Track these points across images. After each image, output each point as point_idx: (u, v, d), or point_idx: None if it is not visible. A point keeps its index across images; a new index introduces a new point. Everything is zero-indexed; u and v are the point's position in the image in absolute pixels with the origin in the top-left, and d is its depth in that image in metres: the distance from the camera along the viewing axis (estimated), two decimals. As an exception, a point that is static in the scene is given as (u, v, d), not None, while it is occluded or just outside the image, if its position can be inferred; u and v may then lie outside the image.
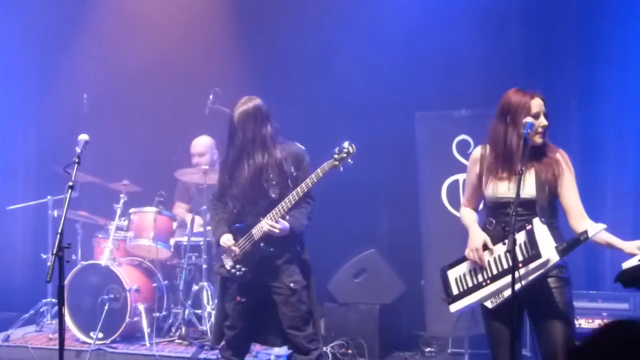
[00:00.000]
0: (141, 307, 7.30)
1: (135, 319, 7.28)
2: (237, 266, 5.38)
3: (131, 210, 7.63)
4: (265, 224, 5.24)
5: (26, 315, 7.79)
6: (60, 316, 4.67)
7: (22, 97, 9.24)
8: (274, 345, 5.80)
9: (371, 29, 8.16)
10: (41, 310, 7.89)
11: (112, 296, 7.30)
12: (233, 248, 5.36)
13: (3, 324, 8.08)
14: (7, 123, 9.25)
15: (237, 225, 5.40)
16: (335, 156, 5.14)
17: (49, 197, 7.98)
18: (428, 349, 7.57)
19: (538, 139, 4.43)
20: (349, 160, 5.16)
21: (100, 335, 7.17)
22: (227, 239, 5.38)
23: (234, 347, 5.53)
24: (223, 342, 5.56)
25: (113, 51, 8.87)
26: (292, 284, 5.34)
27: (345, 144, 5.17)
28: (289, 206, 5.23)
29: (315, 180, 5.16)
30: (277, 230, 5.23)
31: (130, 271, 7.46)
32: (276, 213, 5.23)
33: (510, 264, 4.19)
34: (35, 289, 8.31)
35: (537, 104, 4.43)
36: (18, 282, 9.17)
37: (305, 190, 5.20)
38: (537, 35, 7.59)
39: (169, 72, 8.73)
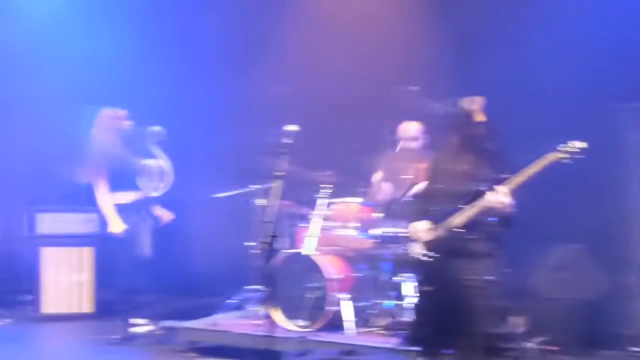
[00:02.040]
0: (344, 296, 7.43)
1: (337, 308, 7.41)
2: (430, 253, 5.37)
3: (335, 200, 7.78)
4: (494, 196, 5.19)
5: (231, 301, 8.08)
6: (266, 303, 4.83)
7: (229, 88, 9.56)
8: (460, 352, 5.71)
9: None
10: (246, 296, 8.16)
11: (314, 285, 7.46)
12: (426, 234, 5.35)
13: (210, 309, 8.45)
14: (215, 114, 9.61)
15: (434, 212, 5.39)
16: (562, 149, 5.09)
17: (252, 186, 8.25)
18: (634, 348, 7.30)
19: None
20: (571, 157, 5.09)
21: (304, 323, 7.36)
22: (421, 225, 5.39)
23: (429, 349, 5.51)
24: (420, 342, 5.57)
25: (315, 41, 9.04)
26: (486, 276, 5.28)
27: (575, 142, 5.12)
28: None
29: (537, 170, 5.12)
30: (504, 203, 5.17)
31: (332, 261, 7.61)
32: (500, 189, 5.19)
33: None
34: (240, 276, 8.61)
35: None
36: (222, 269, 9.54)
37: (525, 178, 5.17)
38: None
39: (368, 59, 8.82)
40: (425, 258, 5.39)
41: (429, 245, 5.40)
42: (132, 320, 8.23)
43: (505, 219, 5.37)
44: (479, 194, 5.32)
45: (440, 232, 5.37)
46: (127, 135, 8.12)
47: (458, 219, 5.37)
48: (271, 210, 5.05)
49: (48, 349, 8.29)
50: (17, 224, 10.18)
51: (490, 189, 5.27)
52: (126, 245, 7.94)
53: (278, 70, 9.13)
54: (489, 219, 5.36)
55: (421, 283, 5.51)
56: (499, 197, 5.22)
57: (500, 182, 5.29)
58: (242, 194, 8.47)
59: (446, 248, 5.36)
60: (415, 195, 5.77)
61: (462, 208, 5.33)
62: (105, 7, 9.43)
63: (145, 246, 8.00)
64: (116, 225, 7.99)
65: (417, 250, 5.44)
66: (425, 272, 5.46)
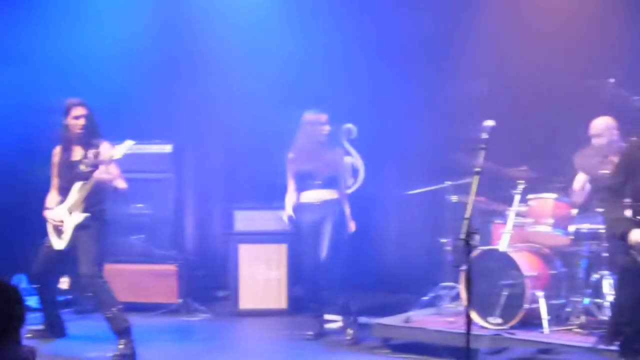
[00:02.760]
0: (539, 294, 7.35)
1: (533, 305, 7.34)
2: None
3: (529, 197, 7.70)
4: None
5: (426, 297, 8.14)
6: (467, 299, 4.85)
7: (423, 84, 9.62)
8: None
9: None
10: (440, 293, 8.20)
11: (510, 282, 7.41)
12: None
13: (403, 305, 8.54)
14: (408, 109, 9.68)
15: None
16: None
17: (447, 182, 8.29)
18: None
19: None
20: None
21: (499, 320, 7.32)
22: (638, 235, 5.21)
23: (628, 349, 5.35)
24: (618, 342, 5.42)
25: (511, 36, 8.98)
26: None
27: None
28: None
29: None
30: None
31: (528, 257, 7.54)
32: None
33: None
34: (434, 273, 8.66)
35: None
36: (416, 265, 9.61)
37: None
38: None
39: (564, 53, 8.68)
40: None
41: None
42: (327, 317, 8.41)
43: None
44: None
45: None
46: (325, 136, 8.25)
47: None
48: (469, 207, 5.04)
49: (245, 344, 8.60)
50: (215, 222, 10.65)
51: None
52: (311, 243, 8.08)
53: (474, 65, 9.10)
54: None
55: (631, 286, 5.34)
56: None
57: None
58: (436, 190, 8.51)
59: None
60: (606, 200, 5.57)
61: None
62: (299, 7, 9.64)
63: (323, 248, 8.07)
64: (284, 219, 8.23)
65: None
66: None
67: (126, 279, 9.18)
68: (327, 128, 8.16)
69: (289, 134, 8.33)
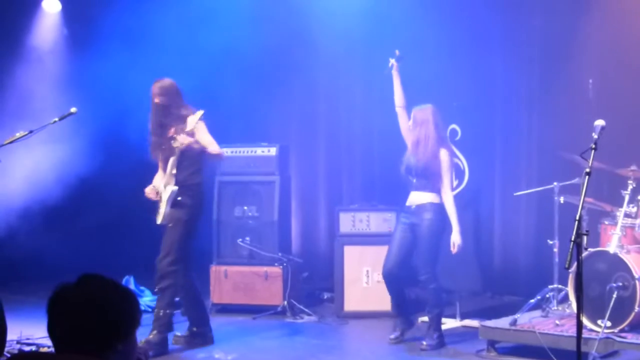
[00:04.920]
0: (651, 296, 7.23)
1: (646, 308, 7.22)
2: None
3: (639, 197, 7.59)
4: None
5: (532, 300, 8.08)
6: (578, 303, 4.82)
7: (532, 82, 9.58)
8: None
9: None
10: (547, 296, 8.13)
11: (620, 284, 7.30)
12: None
13: (509, 308, 8.50)
14: (515, 109, 9.65)
15: None
16: None
17: (555, 183, 8.22)
18: None
19: None
20: None
21: (609, 323, 7.23)
22: None
23: None
24: None
25: (616, 35, 8.87)
26: None
27: None
28: None
29: None
30: None
31: (639, 259, 7.42)
32: None
33: None
34: (541, 275, 8.60)
35: None
36: (522, 267, 9.57)
37: None
38: None
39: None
40: None
41: None
42: (420, 319, 8.42)
43: None
44: None
45: None
46: None
47: None
48: (580, 208, 5.01)
49: (349, 346, 8.70)
50: (321, 224, 10.79)
51: None
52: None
53: (584, 63, 9.02)
54: None
55: None
56: None
57: None
58: (544, 190, 8.44)
59: None
60: None
61: None
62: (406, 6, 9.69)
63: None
64: None
65: None
66: None
67: (232, 281, 9.41)
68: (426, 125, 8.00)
69: (393, 135, 8.33)
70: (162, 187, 7.75)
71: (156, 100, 7.77)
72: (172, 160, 7.68)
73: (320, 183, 10.90)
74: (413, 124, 7.99)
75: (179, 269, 7.67)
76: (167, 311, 7.67)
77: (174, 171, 7.69)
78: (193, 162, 7.77)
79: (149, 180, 7.96)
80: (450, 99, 8.94)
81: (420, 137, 7.93)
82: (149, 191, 7.85)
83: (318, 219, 10.88)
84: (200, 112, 7.55)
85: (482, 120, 9.56)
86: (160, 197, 7.74)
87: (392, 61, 8.03)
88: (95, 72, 9.98)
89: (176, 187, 7.67)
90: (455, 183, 8.86)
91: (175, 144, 7.58)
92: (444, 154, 7.96)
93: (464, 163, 9.06)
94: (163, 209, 7.70)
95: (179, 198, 7.68)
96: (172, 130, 7.69)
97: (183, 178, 7.73)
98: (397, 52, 8.04)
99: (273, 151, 9.64)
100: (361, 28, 9.91)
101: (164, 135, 7.78)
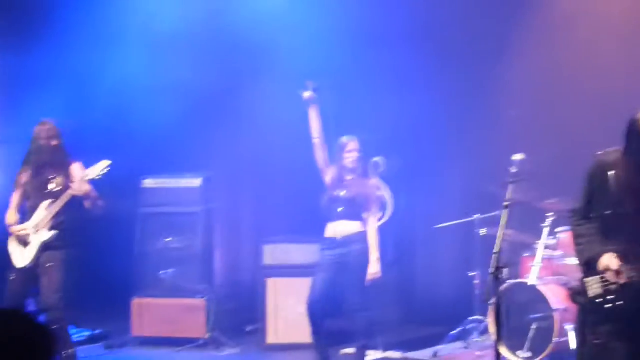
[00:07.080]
0: (569, 327, 7.38)
1: (563, 339, 7.38)
2: (609, 297, 4.75)
3: (558, 229, 7.75)
4: None
5: (454, 331, 8.16)
6: (497, 335, 4.89)
7: (453, 115, 9.72)
8: None
9: None
10: (468, 327, 8.23)
11: (539, 316, 7.44)
12: (616, 270, 4.71)
13: (431, 339, 8.58)
14: (437, 142, 9.77)
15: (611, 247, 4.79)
16: None
17: (476, 215, 8.35)
18: None
19: None
20: None
21: (528, 354, 7.36)
22: (611, 260, 4.72)
23: None
24: None
25: (536, 69, 9.07)
26: None
27: None
28: None
29: None
30: None
31: (557, 291, 7.57)
32: None
33: None
34: (463, 306, 8.70)
35: None
36: (444, 298, 9.67)
37: None
38: None
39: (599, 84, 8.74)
40: (601, 300, 4.75)
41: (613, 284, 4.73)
42: (343, 351, 8.44)
43: None
44: None
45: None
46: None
47: None
48: (498, 241, 5.08)
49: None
50: (244, 256, 10.74)
51: None
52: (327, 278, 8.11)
53: (506, 97, 9.19)
54: None
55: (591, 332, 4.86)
56: None
57: None
58: (465, 223, 8.56)
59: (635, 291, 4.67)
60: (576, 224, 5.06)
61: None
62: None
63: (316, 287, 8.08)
64: None
65: (594, 288, 4.78)
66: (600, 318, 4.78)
67: (155, 313, 9.31)
68: (355, 155, 8.04)
69: (316, 169, 8.34)
70: (30, 229, 7.59)
71: (53, 142, 7.65)
72: (49, 203, 7.55)
73: (245, 214, 10.89)
74: (341, 154, 8.03)
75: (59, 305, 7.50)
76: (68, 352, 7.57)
77: (51, 215, 7.54)
78: (73, 210, 7.63)
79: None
80: (373, 131, 8.99)
81: (349, 166, 7.99)
82: (18, 229, 7.65)
83: (242, 251, 10.85)
84: (104, 163, 7.52)
85: (405, 153, 9.64)
86: (28, 235, 7.59)
87: (307, 94, 8.05)
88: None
89: (52, 232, 7.52)
90: (379, 215, 8.91)
91: (73, 191, 7.49)
92: (373, 183, 8.05)
93: (387, 195, 9.12)
94: (33, 252, 7.52)
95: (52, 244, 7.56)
96: (59, 173, 7.62)
97: (59, 223, 7.57)
98: (309, 83, 8.06)
99: (197, 182, 9.60)
100: (287, 61, 9.94)
101: (45, 177, 7.67)
